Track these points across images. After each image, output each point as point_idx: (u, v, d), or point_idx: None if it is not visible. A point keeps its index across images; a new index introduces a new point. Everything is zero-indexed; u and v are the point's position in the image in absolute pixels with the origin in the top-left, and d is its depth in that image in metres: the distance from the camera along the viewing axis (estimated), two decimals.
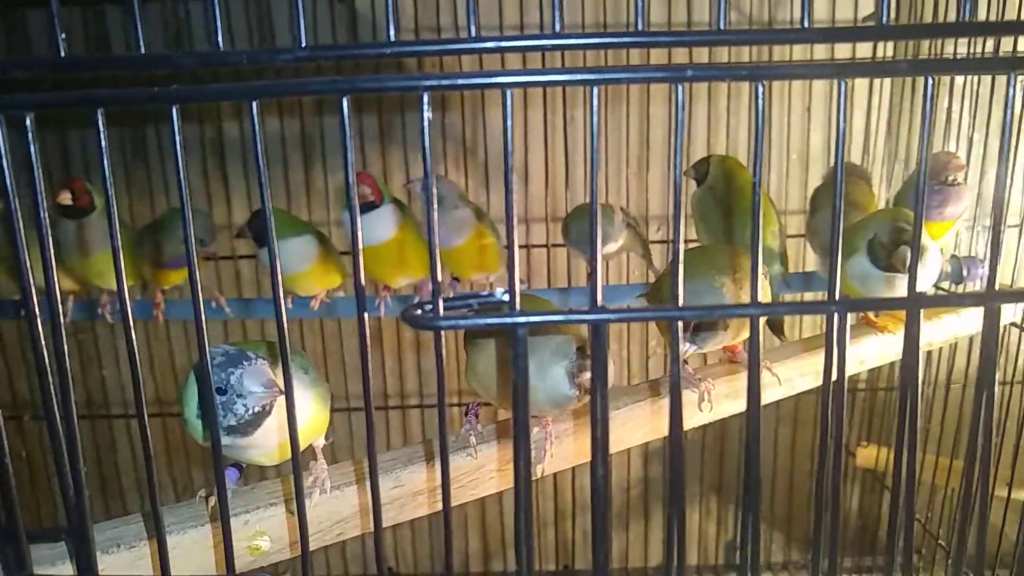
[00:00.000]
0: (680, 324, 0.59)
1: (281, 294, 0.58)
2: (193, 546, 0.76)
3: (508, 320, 0.56)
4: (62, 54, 0.55)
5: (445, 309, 0.57)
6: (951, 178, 1.36)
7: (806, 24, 0.55)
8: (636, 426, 1.05)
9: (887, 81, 1.97)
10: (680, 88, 0.53)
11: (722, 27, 0.54)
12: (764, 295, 1.14)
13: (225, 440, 0.74)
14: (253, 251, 2.04)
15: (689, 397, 1.13)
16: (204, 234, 1.60)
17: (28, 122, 0.54)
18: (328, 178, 2.04)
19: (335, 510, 0.83)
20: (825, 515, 0.63)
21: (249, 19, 1.93)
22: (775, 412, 2.11)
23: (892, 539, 0.65)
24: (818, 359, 1.22)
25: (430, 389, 2.12)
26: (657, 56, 1.76)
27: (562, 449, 0.94)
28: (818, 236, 1.58)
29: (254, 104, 0.54)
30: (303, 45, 0.54)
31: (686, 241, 2.06)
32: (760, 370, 1.14)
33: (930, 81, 0.55)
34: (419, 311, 0.57)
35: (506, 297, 0.57)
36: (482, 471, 0.91)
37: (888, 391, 1.99)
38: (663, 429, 1.07)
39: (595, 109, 0.53)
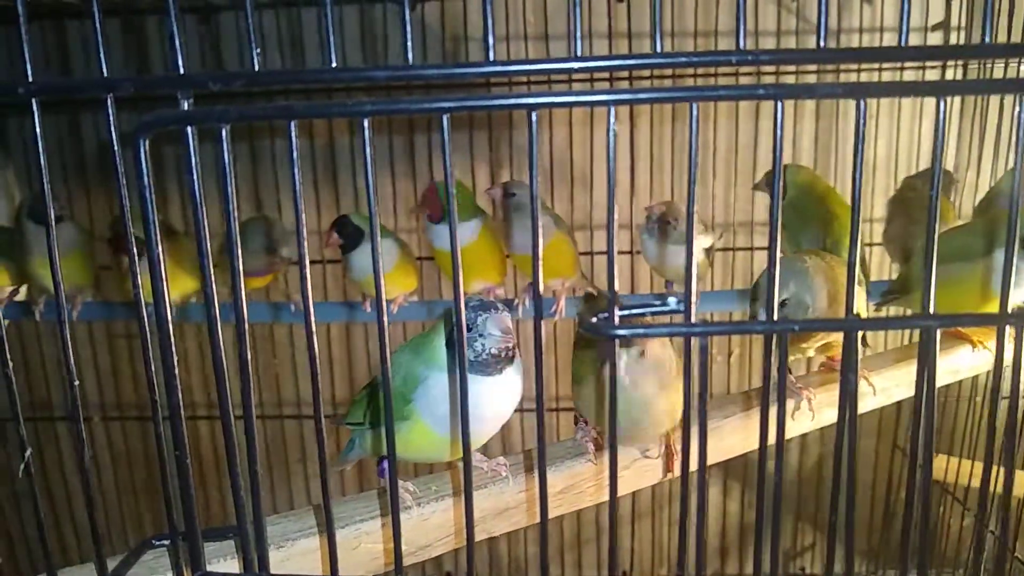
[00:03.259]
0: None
1: (461, 295, 0.59)
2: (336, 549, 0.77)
3: (683, 330, 0.57)
4: (256, 68, 0.57)
5: (620, 318, 0.58)
6: None
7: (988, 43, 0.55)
8: (726, 433, 1.05)
9: None
10: (863, 104, 0.54)
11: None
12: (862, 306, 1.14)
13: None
14: (315, 256, 2.08)
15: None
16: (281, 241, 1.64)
17: (224, 134, 0.55)
18: (416, 185, 2.08)
19: (459, 515, 0.84)
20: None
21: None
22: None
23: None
24: (913, 368, 1.22)
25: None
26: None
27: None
28: (895, 243, 1.57)
29: (445, 118, 0.55)
30: (491, 59, 0.55)
31: (752, 249, 2.07)
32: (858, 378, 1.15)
33: None
34: (595, 319, 0.58)
35: (680, 306, 0.58)
36: (602, 476, 0.92)
37: (956, 401, 1.97)
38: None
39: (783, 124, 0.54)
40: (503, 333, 0.81)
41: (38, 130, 0.58)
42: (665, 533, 2.33)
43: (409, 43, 0.56)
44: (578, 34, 0.55)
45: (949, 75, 1.88)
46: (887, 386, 1.17)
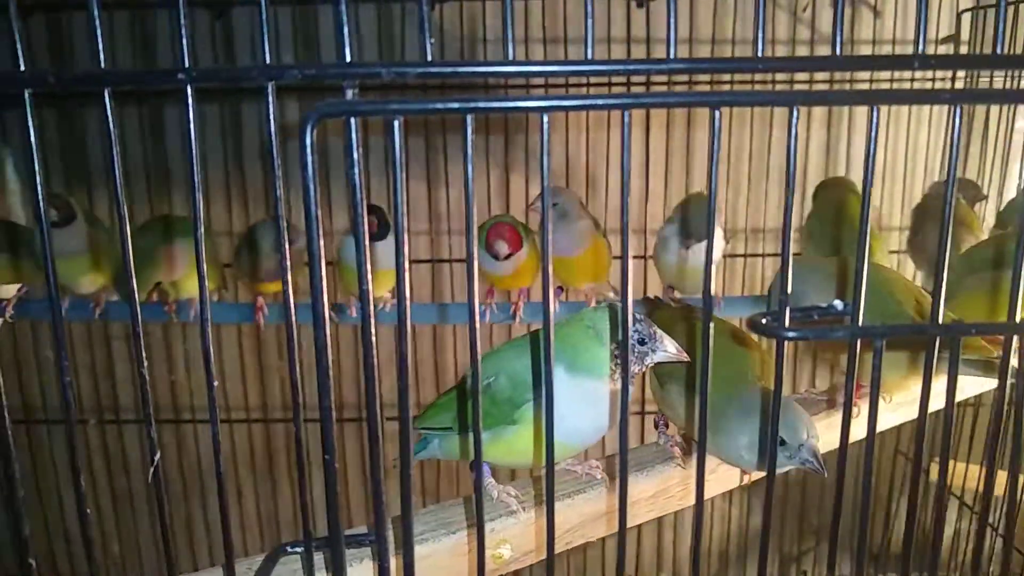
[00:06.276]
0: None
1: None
2: (447, 555, 0.75)
3: (852, 332, 0.57)
4: (429, 58, 0.55)
5: (790, 320, 0.57)
6: None
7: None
8: None
9: None
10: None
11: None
12: None
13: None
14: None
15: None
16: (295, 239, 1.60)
17: (396, 126, 0.54)
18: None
19: (565, 519, 0.83)
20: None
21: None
22: None
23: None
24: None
25: None
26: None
27: None
28: (922, 252, 1.60)
29: (626, 114, 0.54)
30: (673, 56, 0.55)
31: (763, 255, 2.09)
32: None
33: None
34: (764, 320, 0.58)
35: (847, 309, 0.58)
36: (691, 482, 0.91)
37: (962, 407, 2.02)
38: None
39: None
40: (677, 352, 0.82)
41: (191, 121, 0.56)
42: (668, 537, 2.36)
43: (591, 38, 0.55)
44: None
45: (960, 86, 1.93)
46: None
